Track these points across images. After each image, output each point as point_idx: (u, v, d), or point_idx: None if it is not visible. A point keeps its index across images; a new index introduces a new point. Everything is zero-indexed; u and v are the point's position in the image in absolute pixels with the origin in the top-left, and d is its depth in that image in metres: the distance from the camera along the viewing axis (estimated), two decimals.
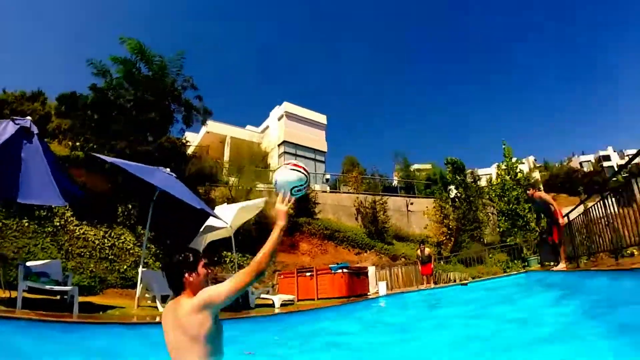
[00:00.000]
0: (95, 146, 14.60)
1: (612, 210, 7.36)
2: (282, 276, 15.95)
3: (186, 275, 2.48)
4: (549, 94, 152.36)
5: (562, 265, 9.89)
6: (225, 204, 14.78)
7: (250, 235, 17.65)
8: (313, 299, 14.05)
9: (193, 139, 31.79)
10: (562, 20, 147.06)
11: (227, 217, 11.34)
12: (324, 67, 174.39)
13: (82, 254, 12.06)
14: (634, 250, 7.65)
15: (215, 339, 2.35)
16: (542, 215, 15.32)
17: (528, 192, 11.36)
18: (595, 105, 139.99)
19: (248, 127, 36.90)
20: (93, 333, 5.23)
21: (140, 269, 9.06)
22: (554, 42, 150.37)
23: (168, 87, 16.71)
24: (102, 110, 15.67)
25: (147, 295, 9.88)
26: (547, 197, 11.07)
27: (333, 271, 14.33)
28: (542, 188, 59.66)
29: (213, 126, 31.44)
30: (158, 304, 8.86)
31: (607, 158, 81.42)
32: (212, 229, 11.47)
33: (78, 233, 12.43)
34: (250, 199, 17.49)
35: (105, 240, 12.95)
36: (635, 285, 4.65)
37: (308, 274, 14.90)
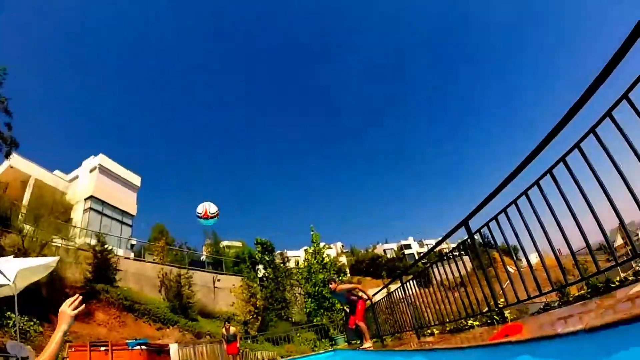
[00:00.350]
0: None
1: (414, 292, 8.38)
2: (73, 349, 13.88)
3: None
4: (359, 186, 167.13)
5: (368, 344, 10.40)
6: (12, 256, 12.61)
7: (40, 295, 15.37)
8: None
9: None
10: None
11: (10, 273, 9.63)
12: (149, 127, 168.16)
13: None
14: (435, 330, 8.44)
15: None
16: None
17: (330, 286, 11.18)
18: (400, 199, 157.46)
19: (56, 172, 32.61)
20: None
21: None
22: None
23: None
24: None
25: None
26: (348, 285, 11.50)
27: (130, 347, 13.06)
28: (347, 271, 64.10)
29: (18, 161, 26.91)
30: None
31: (408, 247, 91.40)
32: None
33: None
34: (44, 254, 15.47)
35: None
36: None
37: (102, 348, 13.22)
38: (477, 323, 6.41)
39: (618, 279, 4.03)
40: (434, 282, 7.03)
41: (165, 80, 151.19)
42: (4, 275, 8.70)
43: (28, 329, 14.36)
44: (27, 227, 18.26)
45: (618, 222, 3.07)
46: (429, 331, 8.54)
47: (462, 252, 6.54)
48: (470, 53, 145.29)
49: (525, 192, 4.14)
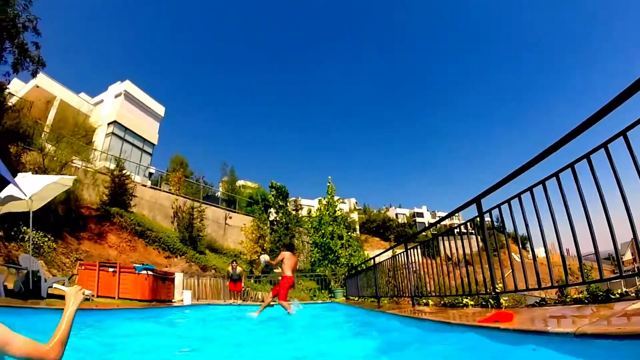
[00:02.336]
0: None
1: (418, 260, 8.42)
2: (83, 267, 14.58)
3: None
4: (383, 147, 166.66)
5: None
6: (30, 173, 12.97)
7: (57, 214, 15.97)
8: (114, 298, 13.13)
9: (18, 89, 27.59)
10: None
11: (29, 189, 9.92)
12: (174, 56, 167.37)
13: None
14: (430, 300, 8.60)
15: None
16: None
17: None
18: (419, 166, 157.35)
19: (82, 94, 32.74)
20: None
21: None
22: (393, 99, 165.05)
23: (8, 20, 14.37)
24: None
25: None
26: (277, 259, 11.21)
27: (137, 271, 13.67)
28: (357, 228, 64.77)
29: (44, 81, 27.27)
30: None
31: (420, 215, 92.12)
32: (9, 199, 9.94)
33: None
34: (64, 174, 15.92)
35: None
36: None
37: (111, 269, 13.90)
38: (472, 302, 6.49)
39: (619, 291, 4.02)
40: (441, 254, 7.12)
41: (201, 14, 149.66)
42: (21, 190, 8.98)
43: (42, 244, 15.04)
44: (49, 147, 18.76)
45: (631, 237, 2.96)
46: (424, 300, 8.67)
47: (472, 231, 6.57)
48: None
49: (542, 182, 4.06)
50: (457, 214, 7.18)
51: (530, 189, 4.27)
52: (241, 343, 6.59)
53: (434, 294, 7.48)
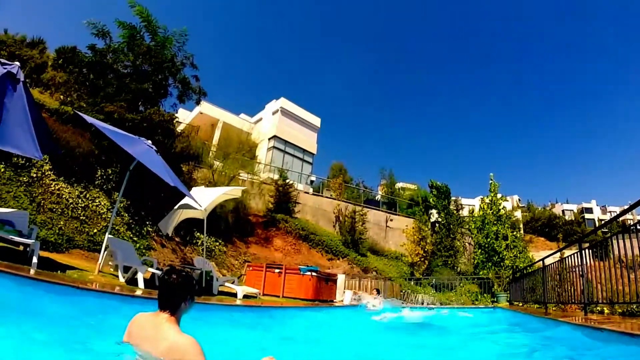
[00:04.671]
0: (84, 105, 14.26)
1: (588, 263, 7.36)
2: (250, 268, 15.77)
3: (183, 303, 2.62)
4: (543, 140, 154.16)
5: None
6: (203, 186, 14.58)
7: (227, 222, 17.46)
8: (278, 296, 13.92)
9: (185, 117, 31.59)
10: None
11: (203, 200, 11.12)
12: (325, 72, 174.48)
13: (54, 209, 11.68)
14: (605, 308, 7.57)
15: None
16: None
17: None
18: (584, 159, 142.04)
19: (242, 115, 36.73)
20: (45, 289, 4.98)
21: (107, 235, 8.84)
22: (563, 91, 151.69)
23: (167, 61, 16.37)
24: (97, 71, 15.33)
25: (110, 263, 9.66)
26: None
27: (302, 272, 14.24)
28: (521, 228, 60.33)
29: (207, 108, 31.45)
30: (120, 273, 8.65)
31: (590, 210, 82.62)
32: (186, 207, 11.28)
33: (53, 188, 12.06)
34: (232, 186, 17.36)
35: (80, 200, 12.60)
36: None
37: (277, 270, 14.77)
38: None
39: None
40: (612, 255, 6.18)
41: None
42: (197, 202, 9.95)
43: (213, 248, 16.67)
44: (217, 163, 20.89)
45: None
46: (597, 308, 7.69)
47: None
48: None
49: None
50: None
51: None
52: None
53: (606, 300, 6.42)
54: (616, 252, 5.85)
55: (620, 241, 5.69)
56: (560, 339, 5.60)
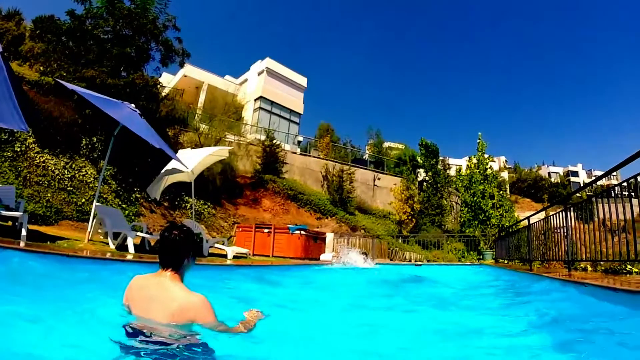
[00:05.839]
0: (64, 74, 14.08)
1: (572, 224, 7.66)
2: (240, 229, 16.07)
3: (186, 259, 2.56)
4: (534, 102, 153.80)
5: None
6: (189, 149, 14.51)
7: (215, 184, 17.64)
8: (268, 256, 14.29)
9: (169, 81, 31.22)
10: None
11: (190, 162, 11.10)
12: (314, 31, 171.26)
13: (40, 182, 11.79)
14: (588, 265, 7.89)
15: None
16: None
17: None
18: (573, 123, 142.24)
19: (227, 77, 36.20)
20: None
21: (94, 203, 8.96)
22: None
23: (148, 24, 16.06)
24: (77, 38, 15.03)
25: (99, 230, 9.79)
26: None
27: (291, 231, 14.55)
28: (507, 188, 61.15)
29: (191, 70, 30.98)
30: (109, 240, 8.81)
31: (575, 174, 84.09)
32: (174, 171, 11.26)
33: (38, 161, 12.12)
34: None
35: (66, 171, 12.69)
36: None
37: (266, 230, 15.07)
38: (637, 270, 5.74)
39: None
40: (596, 219, 6.38)
41: None
42: (183, 164, 10.01)
43: (202, 211, 16.95)
44: (203, 126, 20.87)
45: None
46: (581, 265, 7.98)
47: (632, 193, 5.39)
48: None
49: None
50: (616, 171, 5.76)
51: None
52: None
53: (589, 258, 6.77)
54: (600, 216, 6.08)
55: (606, 206, 5.83)
56: (545, 292, 5.79)
